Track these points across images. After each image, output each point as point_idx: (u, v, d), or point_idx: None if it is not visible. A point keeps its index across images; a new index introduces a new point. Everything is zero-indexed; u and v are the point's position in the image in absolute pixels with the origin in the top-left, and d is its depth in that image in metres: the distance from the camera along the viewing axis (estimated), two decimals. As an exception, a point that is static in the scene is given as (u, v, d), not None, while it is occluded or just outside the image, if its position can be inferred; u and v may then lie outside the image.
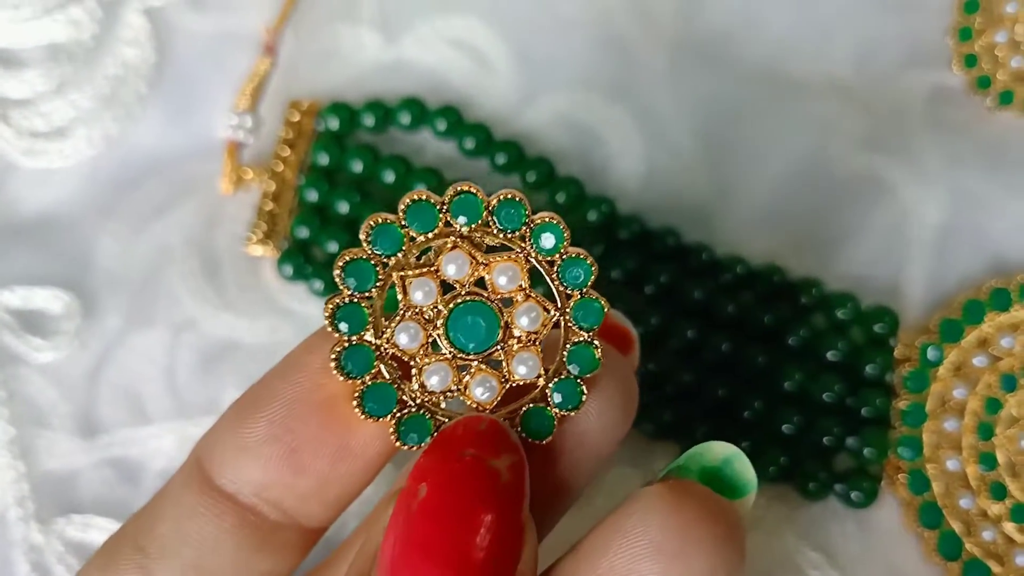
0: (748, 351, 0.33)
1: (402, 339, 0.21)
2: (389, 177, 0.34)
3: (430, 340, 0.21)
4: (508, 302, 0.21)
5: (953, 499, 0.32)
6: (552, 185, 0.35)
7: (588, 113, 0.36)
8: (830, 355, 0.33)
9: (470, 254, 0.21)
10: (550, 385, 0.21)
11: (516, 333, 0.21)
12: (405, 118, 0.35)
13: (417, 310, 0.21)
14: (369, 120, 0.35)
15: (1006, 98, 0.36)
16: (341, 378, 0.20)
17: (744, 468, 0.20)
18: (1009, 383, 0.33)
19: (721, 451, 0.20)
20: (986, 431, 0.33)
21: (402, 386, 0.21)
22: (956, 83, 0.37)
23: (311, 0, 0.37)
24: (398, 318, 0.21)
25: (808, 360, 0.33)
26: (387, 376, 0.21)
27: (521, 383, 0.21)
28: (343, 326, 0.21)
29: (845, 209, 0.35)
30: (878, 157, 0.35)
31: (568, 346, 0.22)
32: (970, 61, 0.36)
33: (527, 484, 0.18)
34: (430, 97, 0.36)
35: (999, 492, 0.32)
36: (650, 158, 0.36)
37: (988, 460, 0.32)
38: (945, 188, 0.35)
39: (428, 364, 0.21)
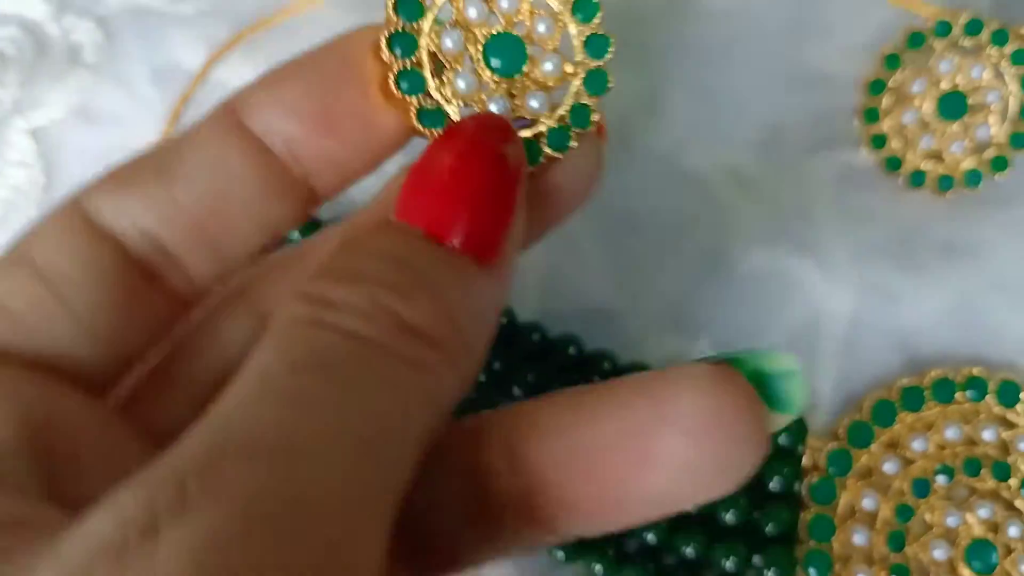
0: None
1: (446, 42, 0.22)
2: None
3: (467, 54, 0.22)
4: (538, 50, 0.22)
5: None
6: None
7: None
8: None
9: None
10: (547, 124, 0.22)
11: (536, 75, 0.22)
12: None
13: (465, 25, 0.22)
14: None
15: (917, 179, 0.34)
16: (386, 54, 0.21)
17: (796, 389, 0.19)
18: (922, 488, 0.31)
19: (782, 363, 0.19)
20: (897, 541, 0.31)
21: (432, 82, 0.22)
22: (866, 163, 0.35)
23: (199, 110, 0.35)
24: (448, 26, 0.22)
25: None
26: (425, 65, 0.22)
27: (527, 117, 0.22)
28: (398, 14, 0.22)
29: (752, 306, 0.34)
30: (783, 251, 0.34)
31: (571, 103, 0.22)
32: (878, 142, 0.34)
33: (524, 172, 0.20)
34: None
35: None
36: (552, 263, 0.34)
37: (901, 572, 0.31)
38: (854, 281, 0.34)
39: (460, 70, 0.22)
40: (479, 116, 0.21)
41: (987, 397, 0.32)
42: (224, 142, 0.21)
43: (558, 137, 0.23)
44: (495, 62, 0.22)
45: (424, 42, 0.22)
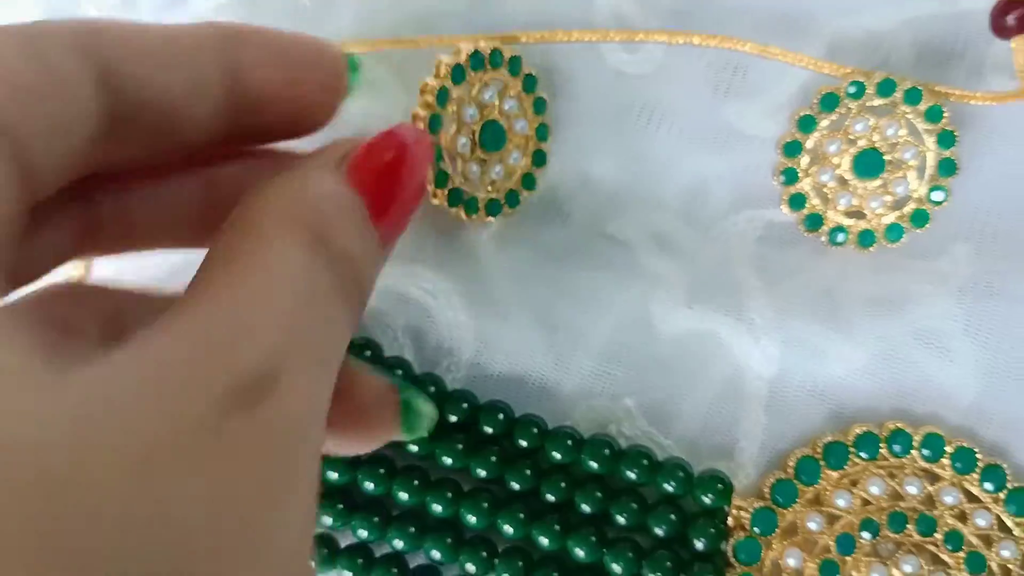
0: (570, 541, 0.32)
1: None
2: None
3: None
4: None
5: None
6: (382, 366, 0.34)
7: (416, 287, 0.35)
8: (658, 532, 0.32)
9: None
10: None
11: None
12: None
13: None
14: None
15: (838, 236, 0.34)
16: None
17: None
18: (846, 545, 0.32)
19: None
20: None
21: None
22: (788, 222, 0.35)
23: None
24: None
25: (636, 540, 0.32)
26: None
27: None
28: None
29: (677, 368, 0.34)
30: (706, 312, 0.34)
31: None
32: (798, 201, 0.34)
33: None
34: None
35: None
36: (481, 330, 0.35)
37: None
38: (776, 339, 0.34)
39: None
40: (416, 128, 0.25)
41: (911, 451, 0.33)
42: None
43: None
44: None
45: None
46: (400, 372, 0.34)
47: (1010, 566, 0.31)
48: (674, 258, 0.35)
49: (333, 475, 0.34)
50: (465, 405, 0.34)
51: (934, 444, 0.32)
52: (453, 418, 0.34)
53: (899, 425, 0.32)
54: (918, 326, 0.34)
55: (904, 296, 0.34)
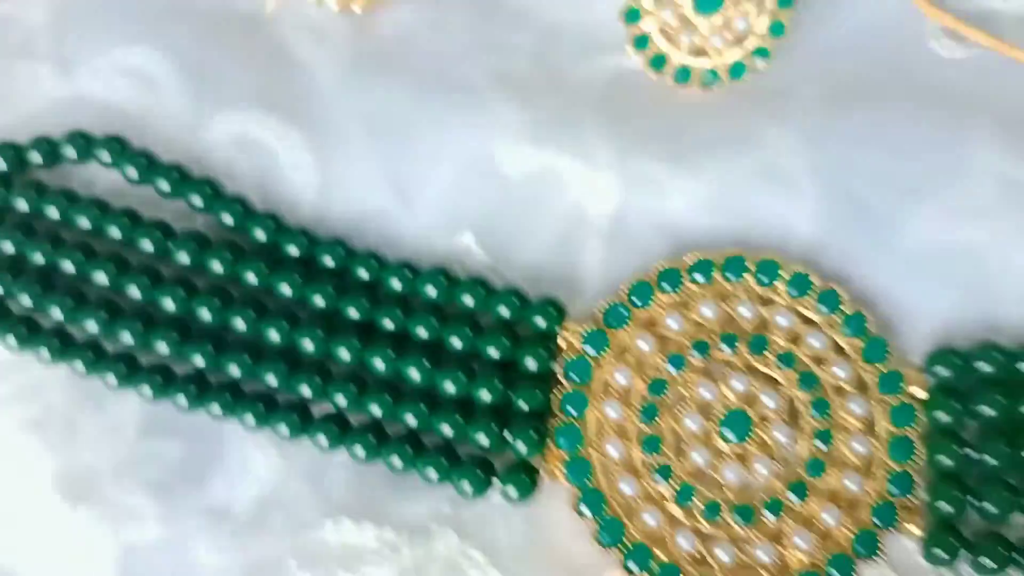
0: (405, 364, 0.31)
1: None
2: (83, 221, 0.34)
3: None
4: None
5: (614, 485, 0.30)
6: (217, 206, 0.33)
7: (262, 130, 0.35)
8: (492, 353, 0.31)
9: None
10: None
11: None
12: (71, 152, 0.34)
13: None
14: (36, 157, 0.34)
15: (683, 75, 0.34)
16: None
17: None
18: (676, 362, 0.31)
19: None
20: (650, 414, 0.31)
21: None
22: (634, 65, 0.35)
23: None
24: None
25: (471, 363, 0.32)
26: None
27: None
28: None
29: (520, 204, 0.34)
30: (548, 151, 0.34)
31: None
32: (641, 42, 0.34)
33: None
34: (108, 129, 0.35)
35: (665, 473, 0.30)
36: (323, 168, 0.34)
37: (652, 443, 0.31)
38: (618, 175, 0.34)
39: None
40: None
41: (745, 275, 0.32)
42: None
43: None
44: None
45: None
46: (240, 208, 0.34)
47: (843, 385, 0.31)
48: (520, 100, 0.35)
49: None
50: (305, 240, 0.33)
51: (768, 270, 0.32)
52: (294, 251, 0.33)
53: (734, 252, 0.32)
54: (761, 164, 0.34)
55: (748, 135, 0.34)
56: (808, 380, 0.31)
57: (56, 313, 0.33)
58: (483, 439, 0.31)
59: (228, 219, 0.34)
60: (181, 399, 0.32)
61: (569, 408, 0.31)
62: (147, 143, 0.35)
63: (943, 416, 0.30)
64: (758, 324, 0.32)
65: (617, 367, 0.31)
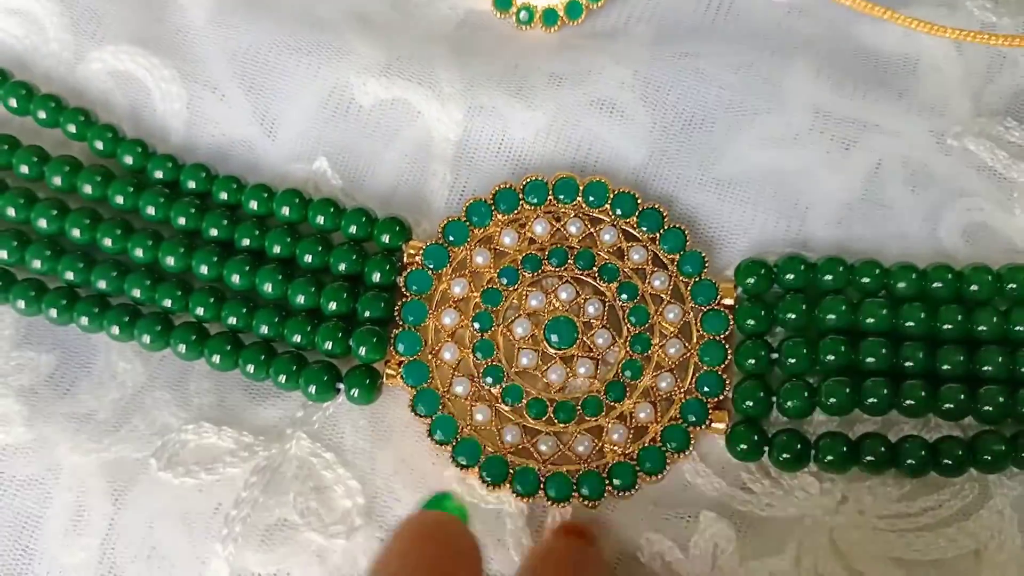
0: (261, 278, 0.34)
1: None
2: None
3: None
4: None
5: (449, 386, 0.33)
6: (91, 132, 0.35)
7: (136, 65, 0.36)
8: (341, 268, 0.33)
9: None
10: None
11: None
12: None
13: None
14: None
15: (526, 16, 0.36)
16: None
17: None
18: (510, 276, 0.33)
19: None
20: (484, 321, 0.33)
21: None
22: (484, 7, 0.37)
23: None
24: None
25: (322, 277, 0.34)
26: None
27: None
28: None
29: (371, 133, 0.36)
30: (400, 83, 0.36)
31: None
32: (489, -16, 0.36)
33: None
34: (-9, 65, 0.36)
35: (497, 374, 0.33)
36: (193, 101, 0.36)
37: (485, 348, 0.33)
38: (463, 106, 0.35)
39: None
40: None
41: (577, 198, 0.34)
42: None
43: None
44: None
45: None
46: (111, 135, 0.35)
47: (662, 295, 0.33)
48: (376, 38, 0.37)
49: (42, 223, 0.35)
50: (170, 164, 0.35)
51: (598, 191, 0.34)
52: (159, 175, 0.35)
53: (566, 174, 0.34)
54: (596, 96, 0.36)
55: (585, 69, 0.36)
56: (628, 289, 0.33)
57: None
58: (329, 345, 0.33)
59: (99, 145, 0.35)
60: (51, 312, 0.34)
61: (409, 316, 0.33)
62: (29, 77, 0.37)
63: (750, 322, 0.33)
64: (585, 240, 0.34)
65: (455, 279, 0.33)
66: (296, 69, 0.37)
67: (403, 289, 0.33)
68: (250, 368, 0.33)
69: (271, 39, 0.37)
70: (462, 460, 0.32)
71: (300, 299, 0.33)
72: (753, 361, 0.32)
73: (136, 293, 0.34)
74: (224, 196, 0.35)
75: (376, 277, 0.34)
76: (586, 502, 0.31)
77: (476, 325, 0.33)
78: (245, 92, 0.37)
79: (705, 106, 0.35)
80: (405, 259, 0.34)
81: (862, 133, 0.35)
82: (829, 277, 0.32)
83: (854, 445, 0.30)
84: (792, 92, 0.35)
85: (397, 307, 0.33)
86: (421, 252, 0.34)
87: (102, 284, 0.34)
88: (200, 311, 0.34)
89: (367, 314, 0.33)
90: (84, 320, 0.34)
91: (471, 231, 0.34)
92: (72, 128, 0.36)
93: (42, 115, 0.36)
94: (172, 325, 0.34)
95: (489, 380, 0.32)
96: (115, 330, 0.34)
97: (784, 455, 0.31)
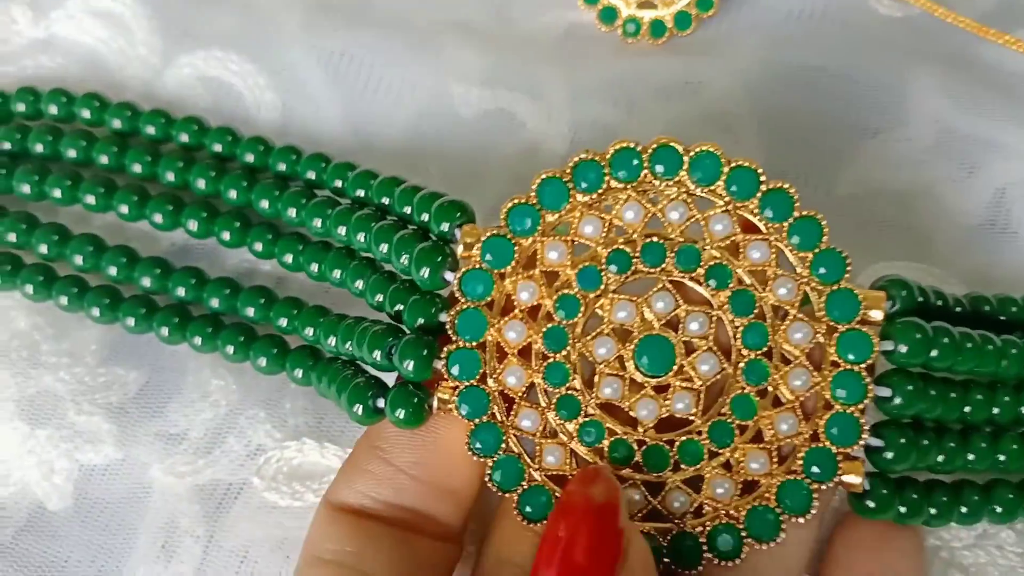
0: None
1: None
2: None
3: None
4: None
5: (515, 420, 0.25)
6: (206, 138, 0.33)
7: (225, 71, 0.33)
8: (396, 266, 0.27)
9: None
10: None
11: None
12: (53, 108, 0.33)
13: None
14: (20, 106, 0.34)
15: (632, 27, 0.34)
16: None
17: None
18: (591, 278, 0.25)
19: None
20: (557, 338, 0.25)
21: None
22: (589, 20, 0.34)
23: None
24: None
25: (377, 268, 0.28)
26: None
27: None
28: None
29: (475, 146, 0.33)
30: (504, 94, 0.33)
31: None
32: (592, -3, 0.33)
33: (620, 500, 0.22)
34: (78, 68, 0.34)
35: (572, 407, 0.25)
36: (287, 109, 0.33)
37: (559, 373, 0.25)
38: (570, 118, 0.33)
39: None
40: (584, 491, 0.23)
41: (681, 172, 0.25)
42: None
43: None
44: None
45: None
46: (196, 127, 0.33)
47: (787, 308, 0.25)
48: (478, 47, 0.34)
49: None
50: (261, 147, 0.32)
51: (708, 164, 0.25)
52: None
53: (666, 139, 0.25)
54: (706, 110, 0.33)
55: (694, 83, 0.34)
56: (743, 300, 0.25)
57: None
58: (377, 356, 0.26)
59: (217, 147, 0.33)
60: (129, 321, 0.31)
61: (465, 329, 0.25)
62: (114, 83, 0.34)
63: (909, 348, 0.24)
64: (690, 231, 0.26)
65: (522, 281, 0.25)
66: (394, 78, 0.34)
67: (457, 292, 0.26)
68: (298, 373, 0.29)
69: (368, 47, 0.34)
70: (528, 511, 0.25)
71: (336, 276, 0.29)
72: (906, 402, 0.25)
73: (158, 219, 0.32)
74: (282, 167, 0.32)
75: (424, 276, 0.26)
76: (680, 571, 0.25)
77: (547, 343, 0.25)
78: (340, 101, 0.34)
79: (822, 122, 0.32)
80: (460, 252, 0.26)
81: (987, 153, 0.32)
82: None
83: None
84: (915, 109, 0.32)
85: (450, 316, 0.25)
86: (480, 245, 0.26)
87: (125, 208, 0.32)
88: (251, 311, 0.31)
89: (414, 322, 0.26)
90: (164, 331, 0.31)
91: (541, 216, 0.26)
92: (151, 130, 0.33)
93: (117, 124, 0.33)
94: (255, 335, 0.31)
95: (564, 414, 0.25)
96: (197, 341, 0.31)
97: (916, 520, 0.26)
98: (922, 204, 0.32)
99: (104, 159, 0.33)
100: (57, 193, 0.32)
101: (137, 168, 0.32)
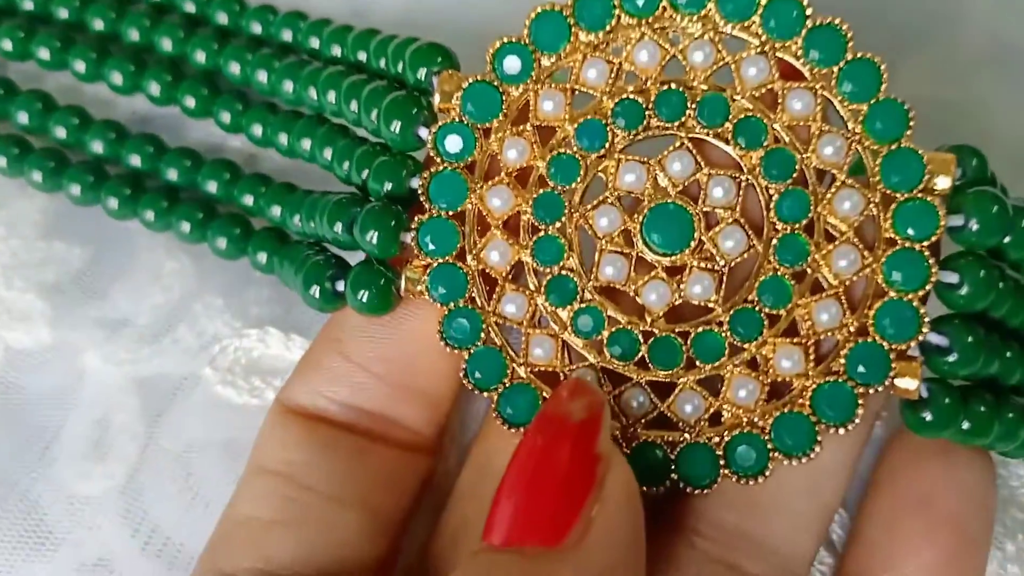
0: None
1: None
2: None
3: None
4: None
5: (496, 304, 0.21)
6: None
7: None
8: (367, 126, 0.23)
9: None
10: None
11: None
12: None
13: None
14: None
15: None
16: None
17: None
18: (594, 134, 0.20)
19: None
20: (553, 206, 0.21)
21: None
22: None
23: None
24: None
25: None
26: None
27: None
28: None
29: (485, 11, 0.29)
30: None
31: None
32: None
33: (601, 421, 0.18)
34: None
35: (565, 290, 0.21)
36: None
37: (551, 249, 0.21)
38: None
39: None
40: (560, 407, 0.19)
41: (708, 4, 0.20)
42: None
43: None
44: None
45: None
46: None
47: (835, 171, 0.20)
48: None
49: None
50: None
51: None
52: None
53: None
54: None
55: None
56: (780, 160, 0.20)
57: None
58: (339, 229, 0.22)
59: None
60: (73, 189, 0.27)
61: (440, 195, 0.21)
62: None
63: (982, 224, 0.19)
64: (717, 76, 0.21)
65: (510, 138, 0.21)
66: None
67: (432, 151, 0.21)
68: (261, 258, 0.25)
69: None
70: (509, 412, 0.21)
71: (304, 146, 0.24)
72: (977, 292, 0.19)
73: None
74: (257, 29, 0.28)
75: (394, 128, 0.21)
76: (691, 490, 0.20)
77: (538, 213, 0.21)
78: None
79: (872, 24, 0.28)
80: (438, 103, 0.21)
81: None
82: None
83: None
84: (971, 15, 0.28)
85: (422, 179, 0.21)
86: (460, 94, 0.21)
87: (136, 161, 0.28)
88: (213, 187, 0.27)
89: (383, 188, 0.21)
90: (113, 202, 0.27)
91: (536, 60, 0.21)
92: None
93: None
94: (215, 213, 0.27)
95: (556, 298, 0.21)
96: (149, 215, 0.27)
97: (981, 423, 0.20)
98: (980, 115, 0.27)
99: (63, 13, 0.29)
100: (7, 45, 0.29)
101: (99, 24, 0.29)
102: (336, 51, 0.25)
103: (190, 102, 0.27)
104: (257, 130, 0.26)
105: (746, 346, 0.20)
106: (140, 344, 0.26)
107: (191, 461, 0.25)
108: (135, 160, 0.27)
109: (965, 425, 0.20)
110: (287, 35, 0.27)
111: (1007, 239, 0.20)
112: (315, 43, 0.26)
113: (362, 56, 0.24)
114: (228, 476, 0.24)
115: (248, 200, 0.26)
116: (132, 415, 0.26)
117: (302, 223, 0.24)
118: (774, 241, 0.20)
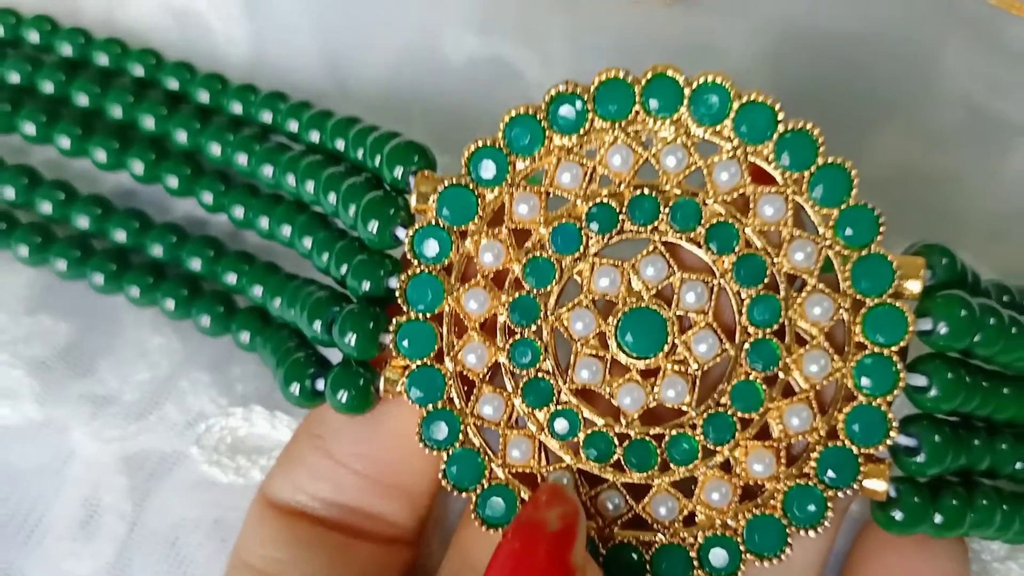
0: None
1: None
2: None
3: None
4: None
5: (473, 406, 0.21)
6: (161, 73, 0.29)
7: (194, 1, 0.29)
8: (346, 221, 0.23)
9: None
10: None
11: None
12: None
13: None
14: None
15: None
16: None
17: None
18: (568, 238, 0.21)
19: None
20: (528, 310, 0.21)
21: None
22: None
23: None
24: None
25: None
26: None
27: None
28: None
29: (465, 94, 0.30)
30: (499, 41, 0.29)
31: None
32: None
33: (577, 531, 0.18)
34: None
35: (541, 393, 0.21)
36: (259, 44, 0.29)
37: (527, 351, 0.21)
38: (570, 75, 0.28)
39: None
40: (536, 515, 0.19)
41: (680, 108, 0.20)
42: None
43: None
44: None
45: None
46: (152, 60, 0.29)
47: (805, 277, 0.20)
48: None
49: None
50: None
51: (713, 100, 0.20)
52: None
53: (664, 68, 0.20)
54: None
55: (704, 45, 0.30)
56: (751, 266, 0.20)
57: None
58: (317, 327, 0.22)
59: (172, 84, 0.29)
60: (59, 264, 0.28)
61: (418, 298, 0.21)
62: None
63: (951, 329, 0.20)
64: (689, 181, 0.21)
65: (486, 240, 0.21)
66: (379, 15, 0.30)
67: (409, 253, 0.21)
68: (244, 337, 0.26)
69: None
70: (487, 514, 0.21)
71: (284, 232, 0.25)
72: (946, 395, 0.20)
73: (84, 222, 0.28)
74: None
75: (372, 228, 0.22)
76: None
77: (514, 316, 0.21)
78: (319, 36, 0.30)
79: (843, 93, 0.28)
80: (415, 204, 0.21)
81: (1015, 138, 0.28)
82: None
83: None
84: (944, 84, 0.29)
85: (401, 281, 0.21)
86: (436, 197, 0.21)
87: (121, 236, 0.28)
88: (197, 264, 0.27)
89: (362, 287, 0.22)
90: (99, 277, 0.27)
91: (511, 163, 0.21)
92: (104, 60, 0.29)
93: (103, 60, 0.29)
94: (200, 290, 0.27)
95: (532, 400, 0.21)
96: (135, 292, 0.27)
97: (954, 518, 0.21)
98: (948, 188, 0.28)
99: (48, 87, 0.29)
100: (-8, 120, 0.28)
101: (83, 100, 0.29)
102: (315, 137, 0.26)
103: (172, 182, 0.27)
104: (238, 212, 0.27)
105: (719, 449, 0.20)
106: (127, 421, 0.26)
107: (179, 541, 0.25)
108: (120, 235, 0.27)
109: (938, 519, 0.21)
110: (267, 116, 0.27)
111: (976, 338, 0.20)
112: (294, 126, 0.26)
113: (340, 145, 0.25)
114: (216, 556, 0.25)
115: (231, 279, 0.27)
116: (119, 494, 0.26)
117: (282, 308, 0.24)
118: (746, 345, 0.20)
